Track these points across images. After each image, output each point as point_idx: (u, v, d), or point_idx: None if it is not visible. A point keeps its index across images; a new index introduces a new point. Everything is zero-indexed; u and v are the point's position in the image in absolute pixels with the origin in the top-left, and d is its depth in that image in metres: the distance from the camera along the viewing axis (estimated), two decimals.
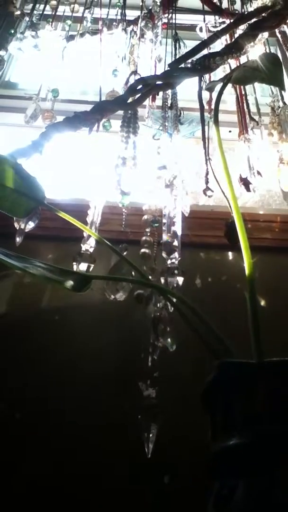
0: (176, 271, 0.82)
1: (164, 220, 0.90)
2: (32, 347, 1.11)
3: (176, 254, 0.85)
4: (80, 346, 1.11)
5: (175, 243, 0.87)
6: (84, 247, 0.89)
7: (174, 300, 0.71)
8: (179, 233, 0.89)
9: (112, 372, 1.07)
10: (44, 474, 0.96)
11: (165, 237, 0.88)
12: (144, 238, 0.88)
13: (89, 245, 0.89)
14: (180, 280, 0.82)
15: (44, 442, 0.99)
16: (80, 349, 1.10)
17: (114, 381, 1.05)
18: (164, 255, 0.85)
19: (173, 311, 0.74)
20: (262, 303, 1.15)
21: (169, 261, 0.84)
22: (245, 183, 1.15)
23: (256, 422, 0.46)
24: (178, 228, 0.89)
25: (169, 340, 0.73)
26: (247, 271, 0.60)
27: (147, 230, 0.89)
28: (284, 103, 1.32)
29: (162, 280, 0.83)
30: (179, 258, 0.85)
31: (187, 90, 1.22)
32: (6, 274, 1.20)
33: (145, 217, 0.92)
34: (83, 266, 0.86)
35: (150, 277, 0.81)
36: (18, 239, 0.85)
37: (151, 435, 0.68)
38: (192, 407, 0.60)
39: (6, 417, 1.02)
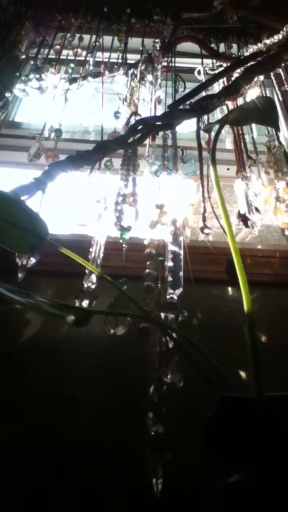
0: (174, 306, 0.81)
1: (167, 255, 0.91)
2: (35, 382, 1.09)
3: (177, 290, 0.85)
4: (81, 382, 1.09)
5: (176, 277, 0.87)
6: (86, 284, 0.90)
7: (174, 334, 0.71)
8: (181, 267, 0.89)
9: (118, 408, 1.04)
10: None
11: (167, 271, 0.88)
12: (147, 271, 0.87)
13: (91, 282, 0.90)
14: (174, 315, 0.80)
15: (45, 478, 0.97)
16: (80, 386, 1.09)
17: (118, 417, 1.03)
18: (168, 289, 0.85)
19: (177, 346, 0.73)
20: (262, 337, 1.15)
21: (168, 296, 0.84)
22: (244, 219, 1.17)
23: (257, 457, 0.45)
24: (180, 262, 0.90)
25: (176, 375, 0.71)
26: (245, 307, 0.61)
27: (149, 263, 0.89)
28: (280, 142, 1.36)
29: (163, 315, 0.81)
30: (179, 293, 0.85)
31: (191, 129, 1.25)
32: (8, 309, 1.20)
33: (147, 250, 0.92)
34: (85, 303, 0.86)
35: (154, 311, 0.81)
36: (20, 275, 0.85)
37: (159, 473, 0.64)
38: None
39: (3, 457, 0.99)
